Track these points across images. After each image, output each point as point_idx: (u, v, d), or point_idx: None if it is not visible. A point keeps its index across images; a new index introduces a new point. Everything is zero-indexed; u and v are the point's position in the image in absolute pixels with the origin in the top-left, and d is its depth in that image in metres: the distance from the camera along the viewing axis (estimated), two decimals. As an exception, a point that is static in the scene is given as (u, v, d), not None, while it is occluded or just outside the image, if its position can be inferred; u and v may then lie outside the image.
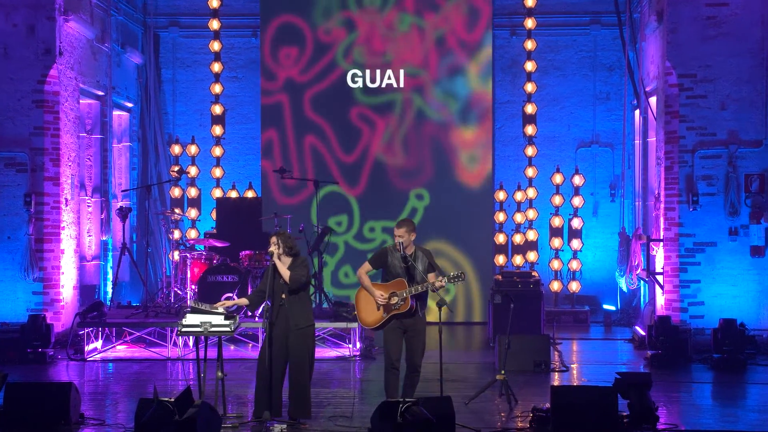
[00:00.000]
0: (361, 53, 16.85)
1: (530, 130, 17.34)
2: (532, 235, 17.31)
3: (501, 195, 17.38)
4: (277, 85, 16.77)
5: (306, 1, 16.86)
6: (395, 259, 9.69)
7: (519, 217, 17.37)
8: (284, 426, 9.38)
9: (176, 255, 15.08)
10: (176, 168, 16.21)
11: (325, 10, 16.83)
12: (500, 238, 17.31)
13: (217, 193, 17.50)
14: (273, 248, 9.60)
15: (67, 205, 14.53)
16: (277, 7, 16.94)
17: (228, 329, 9.63)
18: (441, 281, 9.49)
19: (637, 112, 16.89)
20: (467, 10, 16.75)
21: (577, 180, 17.35)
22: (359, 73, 16.81)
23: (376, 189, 16.65)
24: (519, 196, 17.39)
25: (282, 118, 16.81)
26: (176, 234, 16.67)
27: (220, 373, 9.68)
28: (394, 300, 9.57)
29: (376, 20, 16.84)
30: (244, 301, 9.96)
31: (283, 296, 9.51)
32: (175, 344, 13.58)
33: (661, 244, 14.29)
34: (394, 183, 16.69)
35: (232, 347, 13.84)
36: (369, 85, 16.79)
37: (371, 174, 16.76)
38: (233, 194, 17.41)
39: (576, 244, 17.29)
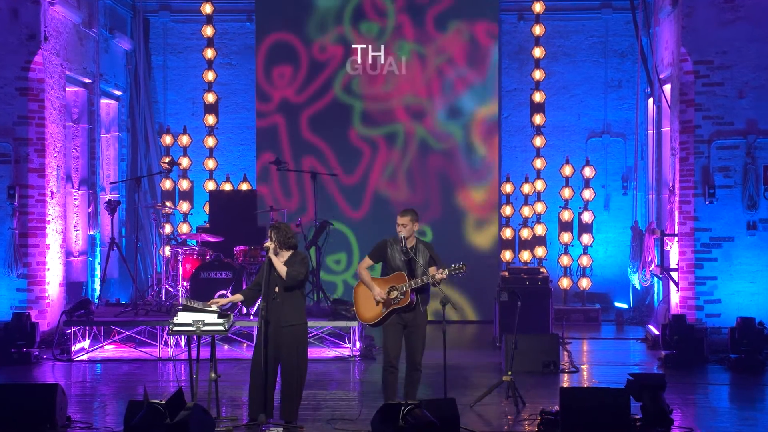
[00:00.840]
0: (358, 85, 16.89)
1: (538, 119, 17.32)
2: (540, 229, 17.29)
3: (508, 187, 17.36)
4: (271, 107, 16.58)
5: (299, 17, 16.86)
6: (395, 252, 9.69)
7: (527, 211, 17.36)
8: (280, 429, 9.38)
9: (167, 250, 15.08)
10: (167, 159, 16.18)
11: (320, 25, 16.83)
12: (507, 233, 17.30)
13: (210, 185, 17.48)
14: (269, 243, 9.58)
15: (52, 198, 14.52)
16: (268, 25, 16.96)
17: (221, 328, 9.62)
18: (442, 273, 9.50)
19: (650, 100, 16.86)
20: (467, 37, 16.74)
21: (588, 172, 17.33)
22: (358, 105, 16.85)
23: (377, 220, 16.49)
24: (526, 188, 17.38)
25: (278, 141, 16.70)
26: (167, 228, 16.67)
27: (213, 374, 9.67)
28: (394, 294, 9.59)
29: (374, 48, 16.88)
30: (238, 297, 9.96)
31: (277, 290, 9.49)
32: (167, 344, 13.57)
33: (676, 239, 14.28)
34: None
35: (225, 347, 13.83)
36: (368, 116, 16.80)
37: (373, 203, 16.74)
38: (227, 187, 17.39)
39: (586, 239, 17.28)
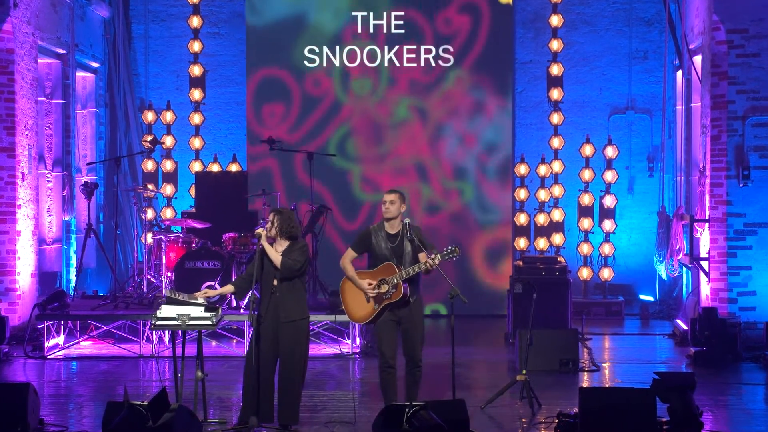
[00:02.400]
0: (354, 146, 16.92)
1: (556, 94, 17.29)
2: (557, 214, 17.28)
3: (522, 169, 17.34)
4: (263, 148, 16.45)
5: (288, 49, 16.90)
6: (380, 240, 9.63)
7: (543, 195, 17.35)
8: (274, 433, 9.41)
9: (149, 238, 15.07)
10: (149, 138, 16.17)
11: (309, 58, 16.87)
12: (521, 219, 17.29)
13: (197, 166, 17.47)
14: (260, 230, 9.56)
15: (23, 180, 14.51)
16: (256, 59, 16.97)
17: (209, 323, 9.62)
18: (433, 259, 9.43)
19: (679, 73, 16.83)
20: (471, 87, 16.86)
21: (610, 152, 17.31)
22: (356, 169, 16.89)
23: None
24: (543, 170, 17.36)
25: (272, 186, 16.60)
26: (149, 213, 16.66)
27: (200, 373, 9.67)
28: (384, 288, 9.54)
29: (369, 107, 16.95)
30: (228, 288, 9.94)
31: (275, 283, 9.48)
32: (149, 340, 13.58)
33: (707, 225, 14.27)
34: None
35: (213, 343, 13.84)
36: (368, 180, 16.84)
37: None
38: (215, 168, 17.38)
39: (608, 225, 17.26)
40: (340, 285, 9.79)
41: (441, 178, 16.97)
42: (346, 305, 9.75)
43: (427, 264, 9.41)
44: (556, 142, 17.35)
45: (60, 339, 13.84)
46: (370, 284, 9.54)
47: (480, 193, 16.92)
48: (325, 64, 17.00)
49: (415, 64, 16.95)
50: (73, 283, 15.87)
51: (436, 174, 16.96)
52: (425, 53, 16.95)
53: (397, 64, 16.95)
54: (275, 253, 9.50)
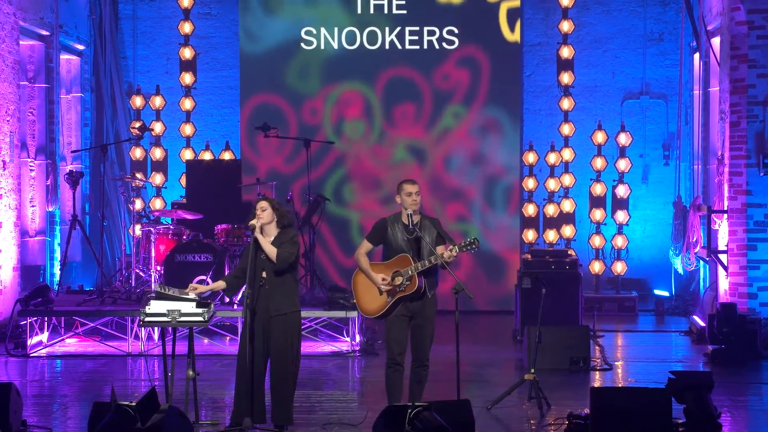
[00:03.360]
0: (351, 191, 16.94)
1: (566, 78, 17.28)
2: (568, 205, 17.28)
3: (531, 157, 17.34)
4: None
5: (283, 76, 17.00)
6: (397, 231, 9.65)
7: (552, 184, 17.34)
8: (269, 435, 9.42)
9: (138, 229, 15.07)
10: (137, 124, 16.15)
11: (309, 82, 16.94)
12: (530, 210, 17.28)
13: (188, 154, 17.47)
14: (254, 221, 9.56)
15: (5, 169, 14.50)
16: (251, 86, 17.02)
17: (201, 319, 9.62)
18: (451, 251, 9.45)
19: (696, 56, 16.81)
20: (479, 129, 16.90)
21: (623, 139, 17.30)
22: (355, 216, 16.92)
23: None
24: (552, 158, 17.35)
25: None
26: (138, 204, 16.65)
27: (191, 372, 9.68)
28: (399, 280, 9.55)
29: (363, 150, 17.01)
30: (220, 284, 9.94)
31: (264, 274, 9.47)
32: (137, 337, 13.59)
33: (725, 216, 14.26)
34: None
35: (205, 341, 13.85)
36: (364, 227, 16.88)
37: None
38: (207, 156, 17.38)
39: (621, 216, 17.26)
40: (353, 277, 9.83)
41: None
42: (357, 298, 9.79)
43: (444, 256, 9.44)
44: (566, 129, 17.33)
45: (43, 336, 13.84)
46: (384, 279, 9.55)
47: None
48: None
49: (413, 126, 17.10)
50: (57, 278, 15.87)
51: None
52: (424, 116, 17.03)
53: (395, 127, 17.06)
54: (270, 246, 9.50)
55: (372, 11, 16.99)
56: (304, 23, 17.05)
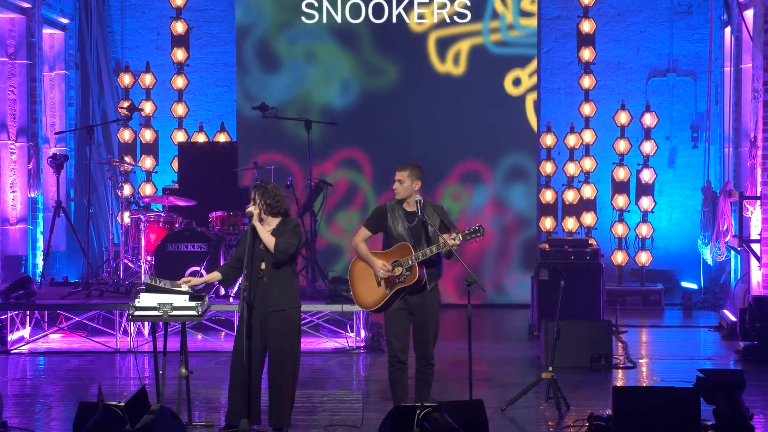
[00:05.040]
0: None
1: (587, 54, 17.25)
2: (588, 191, 17.27)
3: (549, 139, 17.33)
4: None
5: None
6: (397, 218, 9.64)
7: (572, 168, 17.33)
8: (267, 438, 9.44)
9: (126, 217, 15.07)
10: (126, 104, 16.15)
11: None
12: (547, 195, 17.28)
13: (180, 136, 17.47)
14: (252, 208, 9.56)
15: (-16, 152, 14.51)
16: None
17: (194, 313, 9.64)
18: (454, 239, 9.43)
19: (727, 30, 16.78)
20: None
21: (649, 119, 17.28)
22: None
23: None
24: (572, 140, 17.34)
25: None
26: (126, 190, 16.66)
27: (183, 370, 9.69)
28: (398, 271, 9.55)
29: None
30: (215, 275, 9.94)
31: (263, 266, 9.48)
32: (126, 332, 13.61)
33: (758, 202, 14.26)
34: None
35: (199, 336, 13.88)
36: None
37: None
38: (200, 138, 17.38)
39: (646, 203, 17.25)
40: (350, 267, 9.82)
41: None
42: (354, 289, 9.78)
43: (446, 244, 9.41)
44: (587, 109, 17.31)
45: (25, 331, 13.86)
46: (384, 265, 9.54)
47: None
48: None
49: None
50: (40, 269, 15.88)
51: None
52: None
53: None
54: (268, 236, 9.49)
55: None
56: None
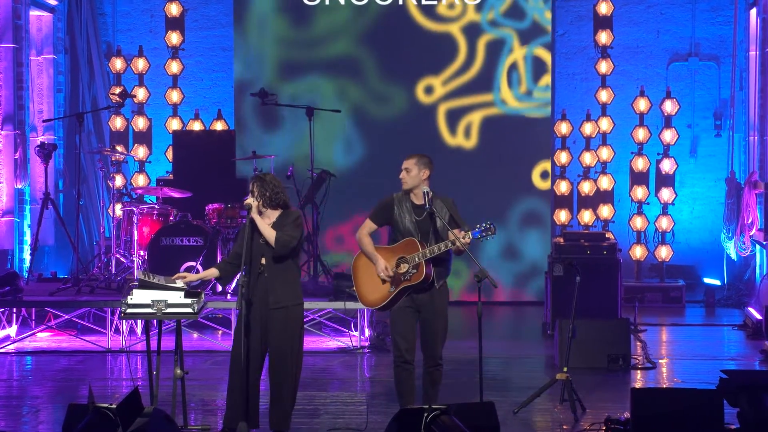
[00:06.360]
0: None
1: (604, 37, 17.24)
2: (605, 182, 17.27)
3: (564, 127, 17.32)
4: None
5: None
6: (404, 212, 9.62)
7: (588, 158, 17.33)
8: (266, 442, 9.46)
9: (118, 209, 15.09)
10: (118, 90, 16.15)
11: None
12: (562, 187, 17.28)
13: (175, 124, 17.48)
14: (250, 200, 9.56)
15: (-32, 141, 14.52)
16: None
17: (189, 311, 9.64)
18: (464, 237, 9.42)
19: (753, 11, 16.77)
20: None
21: (669, 106, 17.28)
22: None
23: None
24: (588, 128, 17.33)
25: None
26: (118, 180, 16.68)
27: (178, 371, 9.71)
28: (404, 268, 9.54)
29: None
30: (213, 272, 9.94)
31: (263, 261, 9.48)
32: (118, 331, 13.62)
33: (785, 194, 14.26)
34: None
35: (195, 335, 13.89)
36: None
37: None
38: (196, 126, 17.39)
39: (666, 194, 17.25)
40: (353, 262, 9.81)
41: None
42: (357, 286, 9.77)
43: (456, 242, 9.40)
44: (604, 96, 17.30)
45: (12, 330, 13.88)
46: (386, 268, 9.53)
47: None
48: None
49: None
50: (27, 264, 15.90)
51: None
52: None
53: None
54: (269, 229, 9.49)
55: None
56: None
